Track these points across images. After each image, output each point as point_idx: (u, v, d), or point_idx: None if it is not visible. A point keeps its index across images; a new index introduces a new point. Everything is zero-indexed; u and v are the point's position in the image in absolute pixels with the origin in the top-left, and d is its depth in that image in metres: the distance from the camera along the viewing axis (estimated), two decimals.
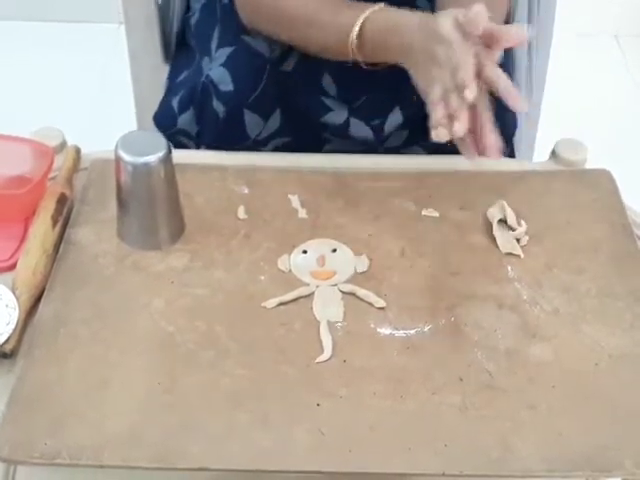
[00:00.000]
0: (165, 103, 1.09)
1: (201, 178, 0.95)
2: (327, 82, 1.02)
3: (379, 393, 0.75)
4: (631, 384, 0.76)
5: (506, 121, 1.07)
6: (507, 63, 1.08)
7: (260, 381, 0.76)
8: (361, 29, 0.88)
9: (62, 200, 0.91)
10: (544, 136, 1.22)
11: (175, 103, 1.06)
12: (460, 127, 0.77)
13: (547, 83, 1.24)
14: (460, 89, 0.77)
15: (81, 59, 2.07)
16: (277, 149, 1.04)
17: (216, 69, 1.00)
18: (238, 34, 1.01)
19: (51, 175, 0.93)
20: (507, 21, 1.07)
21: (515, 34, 0.80)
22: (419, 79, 0.84)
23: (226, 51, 1.01)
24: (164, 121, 1.08)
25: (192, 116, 1.05)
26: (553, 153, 1.01)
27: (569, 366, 0.78)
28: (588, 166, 1.00)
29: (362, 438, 0.72)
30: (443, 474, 0.70)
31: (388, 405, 0.74)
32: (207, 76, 1.01)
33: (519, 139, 1.18)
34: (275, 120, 1.02)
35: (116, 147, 0.83)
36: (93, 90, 1.94)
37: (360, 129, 1.03)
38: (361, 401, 0.74)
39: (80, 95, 1.94)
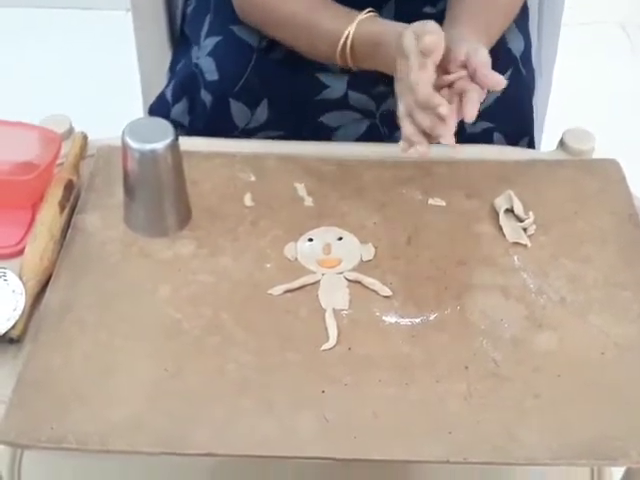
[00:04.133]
0: (161, 94, 1.09)
1: (208, 165, 0.95)
2: None
3: (384, 381, 0.75)
4: (637, 373, 0.76)
5: (524, 112, 1.07)
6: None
7: (265, 368, 0.76)
8: (350, 37, 0.89)
9: (69, 186, 0.91)
10: (552, 125, 1.22)
11: (169, 93, 1.07)
12: (423, 149, 0.80)
13: (555, 72, 1.23)
14: (422, 107, 0.78)
15: (88, 46, 2.06)
16: None
17: (203, 58, 1.01)
18: (227, 24, 1.01)
19: (58, 162, 0.93)
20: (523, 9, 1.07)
21: (492, 81, 0.80)
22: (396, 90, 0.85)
23: (213, 40, 1.02)
24: (158, 112, 1.08)
25: (185, 107, 1.05)
26: (561, 142, 1.00)
27: (575, 355, 0.78)
28: (596, 156, 1.00)
29: (366, 425, 0.72)
30: (447, 461, 0.70)
31: (393, 393, 0.74)
32: (196, 65, 1.01)
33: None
34: (263, 111, 1.01)
35: (123, 134, 0.83)
36: (100, 77, 1.94)
37: (359, 100, 1.02)
38: (366, 388, 0.75)
39: (87, 82, 1.94)
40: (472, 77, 0.81)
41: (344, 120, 1.03)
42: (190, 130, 1.05)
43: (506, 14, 0.98)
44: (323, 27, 0.92)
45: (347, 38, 0.90)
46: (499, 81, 0.80)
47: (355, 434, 0.71)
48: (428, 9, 1.03)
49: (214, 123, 1.01)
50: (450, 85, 0.82)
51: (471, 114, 0.79)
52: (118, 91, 1.54)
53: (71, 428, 0.71)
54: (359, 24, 0.89)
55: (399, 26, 0.86)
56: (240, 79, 0.99)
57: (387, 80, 0.89)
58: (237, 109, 1.01)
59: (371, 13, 0.91)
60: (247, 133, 1.03)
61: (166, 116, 1.06)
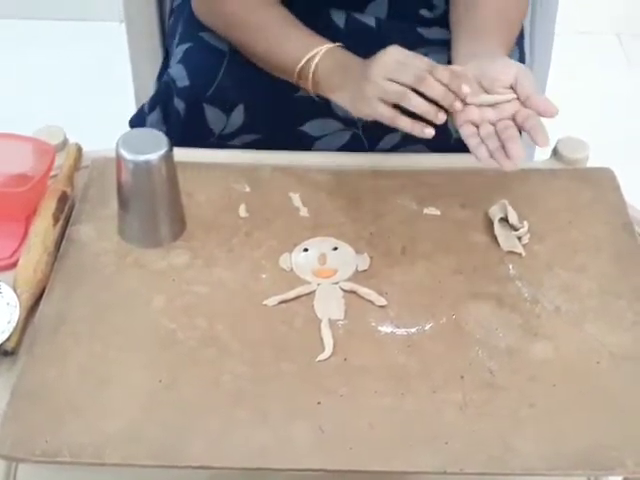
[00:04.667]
0: (142, 106, 1.10)
1: (202, 176, 0.95)
2: None
3: (380, 391, 0.75)
4: (633, 382, 0.76)
5: None
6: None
7: (261, 379, 0.76)
8: (311, 64, 0.89)
9: (63, 198, 0.91)
10: None
11: (146, 105, 1.07)
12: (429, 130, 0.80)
13: (549, 81, 1.24)
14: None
15: (82, 57, 2.07)
16: (246, 146, 1.03)
17: (174, 66, 1.01)
18: (196, 31, 1.02)
19: (52, 173, 0.93)
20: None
21: (547, 110, 0.81)
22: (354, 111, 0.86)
23: (183, 47, 1.02)
24: (136, 122, 1.09)
25: (159, 116, 1.05)
26: (555, 151, 1.01)
27: (570, 364, 0.77)
28: (590, 164, 1.00)
29: (363, 436, 0.72)
30: (444, 472, 0.70)
31: (389, 403, 0.74)
32: (167, 74, 1.01)
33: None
34: (239, 115, 1.01)
35: (117, 145, 0.83)
36: (94, 88, 1.94)
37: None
38: (362, 399, 0.74)
39: (81, 93, 1.94)
40: (524, 102, 0.81)
41: (327, 129, 1.03)
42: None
43: (518, 23, 0.97)
44: (284, 42, 0.92)
45: (309, 61, 0.89)
46: (552, 110, 0.80)
47: (351, 445, 0.71)
48: (425, 12, 1.02)
49: (190, 130, 1.01)
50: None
51: (543, 141, 0.79)
52: (112, 102, 1.54)
53: (66, 441, 0.71)
54: (324, 53, 0.89)
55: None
56: (212, 84, 0.99)
57: None
58: (212, 114, 1.00)
59: (337, 44, 0.91)
60: (224, 139, 1.02)
61: (142, 126, 1.07)
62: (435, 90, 0.79)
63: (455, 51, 0.92)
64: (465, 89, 0.80)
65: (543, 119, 0.81)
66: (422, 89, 0.79)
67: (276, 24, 0.94)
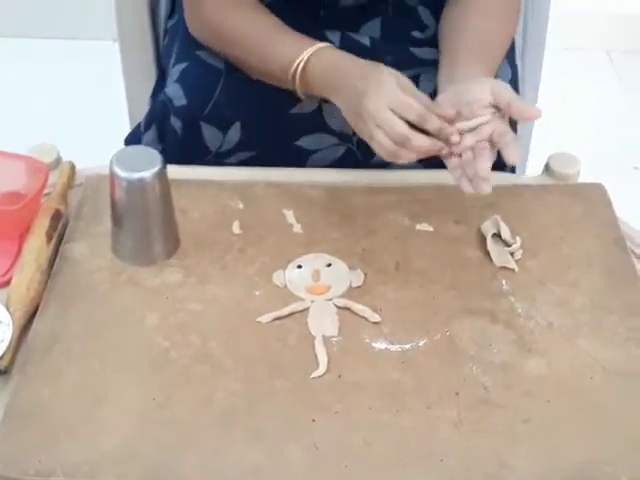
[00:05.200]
0: (137, 125, 1.10)
1: (196, 193, 0.95)
2: None
3: (374, 408, 0.75)
4: (626, 398, 0.76)
5: None
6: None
7: (255, 396, 0.76)
8: (306, 63, 0.90)
9: (56, 216, 0.91)
10: (537, 150, 1.23)
11: (142, 124, 1.08)
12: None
13: (539, 97, 1.24)
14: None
15: (76, 75, 2.07)
16: (242, 163, 1.03)
17: (171, 85, 1.01)
18: (192, 50, 1.02)
19: (46, 191, 0.93)
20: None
21: (529, 113, 0.83)
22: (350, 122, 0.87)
23: (180, 67, 1.02)
24: (131, 141, 1.09)
25: (154, 135, 1.05)
26: (546, 167, 1.01)
27: (564, 380, 0.78)
28: (581, 180, 1.00)
29: (357, 453, 0.72)
30: None
31: (383, 420, 0.74)
32: (164, 93, 1.02)
33: None
34: (235, 133, 1.01)
35: (111, 163, 0.84)
36: (88, 106, 1.94)
37: (334, 116, 1.02)
38: (356, 416, 0.74)
39: (75, 111, 1.94)
40: (506, 111, 0.82)
41: (321, 144, 1.03)
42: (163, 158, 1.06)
43: (502, 46, 0.98)
44: (277, 48, 0.93)
45: (305, 62, 0.90)
46: (535, 112, 0.82)
47: (346, 463, 0.71)
48: (417, 34, 1.03)
49: (186, 149, 1.01)
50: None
51: (514, 158, 0.81)
52: (106, 120, 1.54)
53: (59, 460, 0.70)
54: (317, 52, 0.90)
55: (358, 63, 0.88)
56: (209, 102, 0.99)
57: None
58: (209, 133, 1.00)
59: (328, 43, 0.92)
60: (220, 156, 1.03)
61: (138, 144, 1.07)
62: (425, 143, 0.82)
63: (439, 76, 0.93)
64: (454, 139, 0.81)
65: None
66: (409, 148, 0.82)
67: (266, 31, 0.95)
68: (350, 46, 0.98)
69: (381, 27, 1.03)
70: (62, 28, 2.20)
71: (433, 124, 0.81)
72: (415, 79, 0.98)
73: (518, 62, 1.14)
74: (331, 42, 0.99)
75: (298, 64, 0.90)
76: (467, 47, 0.93)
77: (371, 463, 0.71)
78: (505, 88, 0.83)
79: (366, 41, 1.02)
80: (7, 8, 2.20)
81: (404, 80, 0.84)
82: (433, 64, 0.98)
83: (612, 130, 1.98)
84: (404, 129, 0.81)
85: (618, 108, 2.08)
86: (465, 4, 0.98)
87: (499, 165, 1.06)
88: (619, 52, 2.27)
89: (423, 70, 0.99)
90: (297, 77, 0.91)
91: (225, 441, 0.72)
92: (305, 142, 1.03)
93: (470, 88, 0.84)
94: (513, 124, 1.07)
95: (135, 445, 0.72)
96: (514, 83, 1.06)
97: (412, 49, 1.02)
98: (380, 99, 0.82)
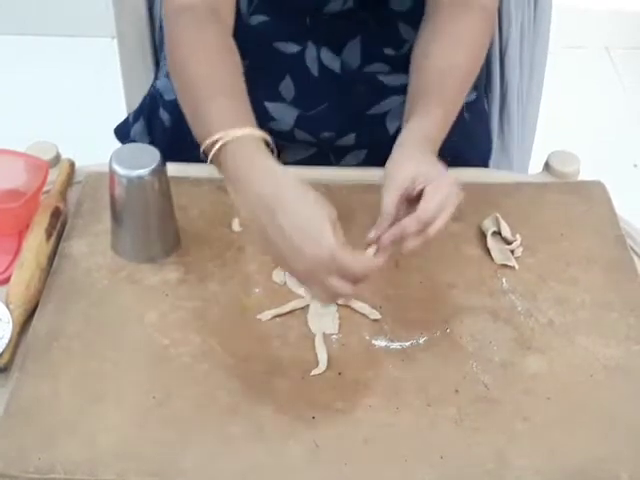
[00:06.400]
0: (127, 116, 1.10)
1: (195, 191, 0.95)
2: (285, 85, 1.00)
3: (374, 405, 0.75)
4: (626, 395, 0.76)
5: (480, 147, 1.08)
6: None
7: (255, 394, 0.75)
8: (217, 142, 0.76)
9: (56, 214, 0.90)
10: (537, 148, 1.23)
11: (131, 114, 1.08)
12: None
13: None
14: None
15: (75, 73, 2.07)
16: None
17: (162, 79, 1.01)
18: None
19: (45, 189, 0.93)
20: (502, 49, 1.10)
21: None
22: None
23: None
24: (120, 132, 1.09)
25: (143, 127, 1.05)
26: (546, 165, 1.01)
27: (564, 378, 0.78)
28: (581, 178, 1.00)
29: (357, 451, 0.72)
30: None
31: (383, 417, 0.74)
32: (154, 86, 1.02)
33: (512, 152, 1.19)
34: None
35: (110, 160, 0.83)
36: (87, 104, 1.94)
37: (307, 138, 1.02)
38: (356, 414, 0.74)
39: (74, 109, 1.94)
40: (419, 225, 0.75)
41: (293, 145, 1.03)
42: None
43: (466, 81, 0.89)
44: (204, 106, 0.80)
45: (217, 141, 0.76)
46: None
47: (346, 460, 0.71)
48: (389, 51, 1.01)
49: (174, 142, 1.00)
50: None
51: (405, 247, 0.75)
52: (105, 118, 1.54)
53: (59, 457, 0.70)
54: (236, 138, 0.76)
55: (275, 171, 0.75)
56: None
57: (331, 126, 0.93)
58: None
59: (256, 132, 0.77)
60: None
61: (126, 136, 1.07)
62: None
63: (404, 118, 0.86)
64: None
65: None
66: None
67: (211, 87, 0.82)
68: (324, 73, 0.98)
69: (361, 47, 0.99)
70: (61, 26, 2.20)
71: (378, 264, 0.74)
72: (382, 118, 0.99)
73: (517, 64, 1.14)
74: (307, 67, 0.98)
75: (209, 143, 0.77)
76: (426, 90, 0.86)
77: (371, 461, 0.71)
78: (430, 207, 0.75)
79: (337, 68, 0.99)
80: (5, 6, 2.20)
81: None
82: (402, 91, 0.92)
83: (612, 128, 1.98)
84: (347, 290, 0.71)
85: (617, 105, 2.08)
86: (437, 24, 0.90)
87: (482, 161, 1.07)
88: (618, 49, 2.28)
89: (392, 101, 0.99)
90: (208, 155, 0.78)
91: (225, 438, 0.72)
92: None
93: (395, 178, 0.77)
94: (471, 144, 1.05)
95: (135, 443, 0.71)
96: (476, 102, 1.06)
97: (381, 77, 1.01)
98: (307, 259, 0.70)
